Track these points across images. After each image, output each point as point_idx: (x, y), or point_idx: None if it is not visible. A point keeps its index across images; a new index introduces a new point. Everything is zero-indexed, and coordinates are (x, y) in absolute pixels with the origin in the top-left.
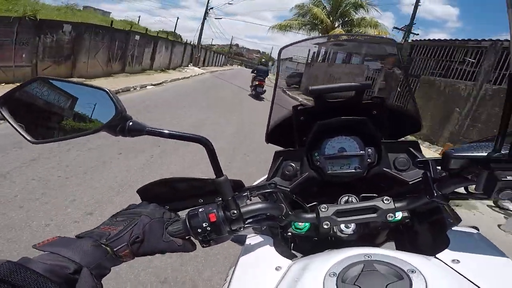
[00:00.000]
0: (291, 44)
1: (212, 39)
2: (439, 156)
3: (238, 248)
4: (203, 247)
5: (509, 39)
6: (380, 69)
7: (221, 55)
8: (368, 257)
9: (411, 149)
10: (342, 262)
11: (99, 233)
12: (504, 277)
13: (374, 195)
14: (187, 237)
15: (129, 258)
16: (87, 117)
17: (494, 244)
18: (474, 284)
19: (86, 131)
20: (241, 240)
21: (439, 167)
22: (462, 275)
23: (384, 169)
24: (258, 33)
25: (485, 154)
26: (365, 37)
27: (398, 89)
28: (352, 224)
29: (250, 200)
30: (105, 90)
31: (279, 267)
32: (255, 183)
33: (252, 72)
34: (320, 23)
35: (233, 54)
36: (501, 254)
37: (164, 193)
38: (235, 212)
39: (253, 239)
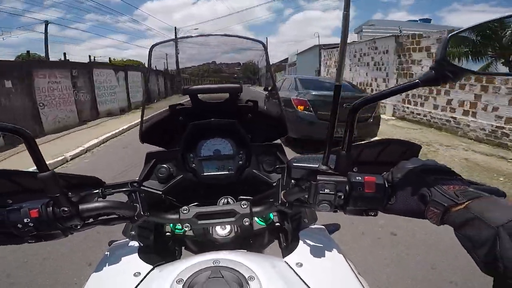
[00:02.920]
0: (161, 42)
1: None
2: None
3: None
4: (28, 242)
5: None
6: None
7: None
8: (217, 263)
9: (277, 152)
10: (190, 269)
11: None
12: (334, 277)
13: (250, 197)
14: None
15: None
16: None
17: (334, 242)
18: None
19: None
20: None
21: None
22: (301, 279)
23: (254, 170)
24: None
25: (317, 165)
26: (234, 37)
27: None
28: (228, 227)
29: (104, 198)
30: None
31: (138, 272)
32: None
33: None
34: None
35: (209, 72)
36: (337, 251)
37: (2, 186)
38: (66, 209)
39: (118, 245)
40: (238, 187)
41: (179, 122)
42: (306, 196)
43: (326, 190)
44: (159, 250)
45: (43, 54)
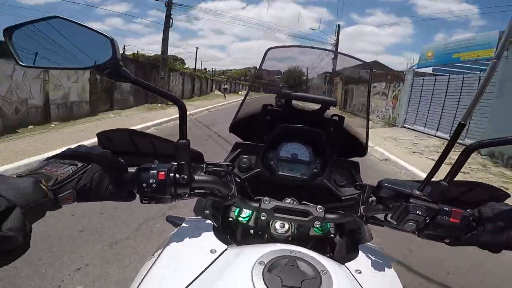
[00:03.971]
0: (278, 47)
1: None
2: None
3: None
4: (142, 203)
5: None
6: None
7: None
8: (293, 253)
9: (352, 169)
10: (271, 254)
11: (44, 174)
12: None
13: (313, 204)
14: (132, 190)
15: (69, 203)
16: (85, 55)
17: (391, 263)
18: None
19: (79, 66)
20: (177, 222)
21: (372, 193)
22: (360, 284)
23: (325, 181)
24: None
25: (410, 190)
26: (346, 55)
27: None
28: (286, 225)
29: (205, 173)
30: (108, 37)
31: (214, 250)
32: None
33: None
34: None
35: (248, 77)
36: (393, 270)
37: (122, 144)
38: (185, 177)
39: (193, 221)
40: (304, 192)
41: (267, 121)
42: (386, 214)
43: (417, 212)
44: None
45: None
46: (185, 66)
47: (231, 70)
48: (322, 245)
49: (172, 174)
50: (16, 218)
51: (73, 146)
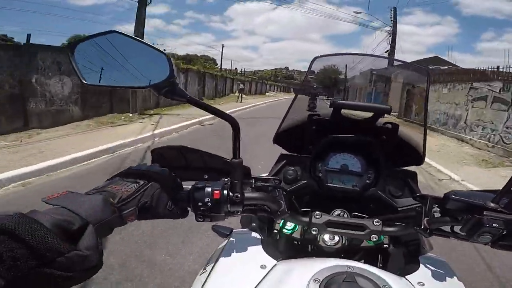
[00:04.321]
0: (326, 55)
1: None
2: (438, 195)
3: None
4: (197, 221)
5: None
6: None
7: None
8: (351, 269)
9: (409, 179)
10: (326, 270)
11: (110, 191)
12: None
13: (364, 215)
14: (187, 208)
15: (131, 220)
16: (141, 73)
17: (454, 271)
18: None
19: (137, 85)
20: (223, 232)
21: (436, 204)
22: None
23: (379, 191)
24: (308, 55)
25: (483, 202)
26: (401, 63)
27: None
28: (336, 237)
29: (253, 188)
30: (164, 54)
31: (264, 265)
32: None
33: None
34: None
35: (279, 78)
36: (460, 283)
37: (175, 160)
38: (239, 195)
39: (240, 233)
40: (354, 204)
41: (312, 131)
42: (453, 226)
43: (494, 225)
44: None
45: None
46: (216, 66)
47: (262, 70)
48: (375, 256)
49: (225, 192)
50: (90, 236)
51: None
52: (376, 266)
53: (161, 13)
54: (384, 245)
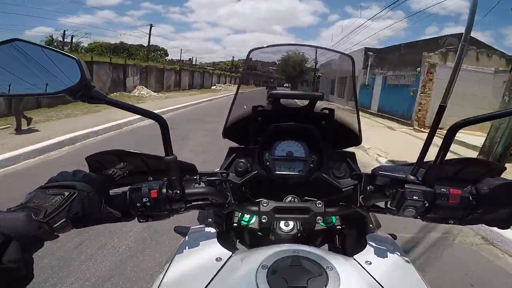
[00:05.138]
0: (261, 47)
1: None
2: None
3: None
4: (139, 221)
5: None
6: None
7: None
8: (296, 253)
9: (348, 159)
10: (273, 256)
11: (32, 208)
12: (404, 280)
13: (314, 199)
14: (127, 211)
15: (67, 230)
16: (51, 80)
17: (402, 249)
18: (380, 284)
19: (49, 92)
20: (184, 232)
21: (369, 181)
22: (371, 276)
23: (323, 174)
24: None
25: (404, 176)
26: (329, 50)
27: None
28: (291, 223)
29: (199, 184)
30: (74, 58)
31: (219, 258)
32: None
33: None
34: None
35: (240, 69)
36: (406, 259)
37: (114, 165)
38: (178, 192)
39: (197, 230)
40: (304, 188)
41: (258, 123)
42: (386, 201)
43: (414, 197)
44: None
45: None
46: (167, 58)
47: (223, 62)
48: (332, 238)
49: (164, 190)
50: (14, 251)
51: (55, 174)
52: (335, 249)
53: (112, 4)
54: (337, 227)
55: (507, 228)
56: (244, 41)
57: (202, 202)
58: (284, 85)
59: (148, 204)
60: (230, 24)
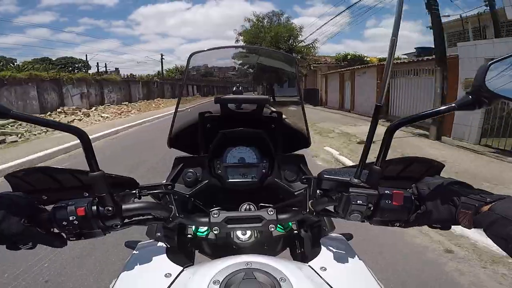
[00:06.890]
0: (201, 51)
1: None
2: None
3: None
4: (69, 240)
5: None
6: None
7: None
8: (249, 265)
9: (299, 163)
10: (225, 270)
11: None
12: (357, 281)
13: (270, 205)
14: (53, 230)
15: None
16: None
17: (354, 250)
18: None
19: None
20: (134, 246)
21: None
22: (326, 282)
23: (276, 179)
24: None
25: (348, 179)
26: (271, 52)
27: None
28: (248, 232)
29: (139, 198)
30: None
31: (169, 273)
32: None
33: None
34: None
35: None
36: (358, 260)
37: (42, 182)
38: (110, 209)
39: (145, 246)
40: (259, 195)
41: (207, 130)
42: (335, 206)
43: (358, 202)
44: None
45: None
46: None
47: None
48: (292, 243)
49: (94, 207)
50: None
51: None
52: (295, 255)
53: (46, 22)
54: (295, 231)
55: (447, 229)
56: (200, 49)
57: (142, 217)
58: (234, 89)
59: (75, 222)
60: (182, 34)
